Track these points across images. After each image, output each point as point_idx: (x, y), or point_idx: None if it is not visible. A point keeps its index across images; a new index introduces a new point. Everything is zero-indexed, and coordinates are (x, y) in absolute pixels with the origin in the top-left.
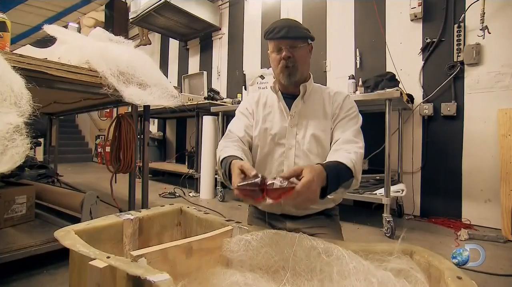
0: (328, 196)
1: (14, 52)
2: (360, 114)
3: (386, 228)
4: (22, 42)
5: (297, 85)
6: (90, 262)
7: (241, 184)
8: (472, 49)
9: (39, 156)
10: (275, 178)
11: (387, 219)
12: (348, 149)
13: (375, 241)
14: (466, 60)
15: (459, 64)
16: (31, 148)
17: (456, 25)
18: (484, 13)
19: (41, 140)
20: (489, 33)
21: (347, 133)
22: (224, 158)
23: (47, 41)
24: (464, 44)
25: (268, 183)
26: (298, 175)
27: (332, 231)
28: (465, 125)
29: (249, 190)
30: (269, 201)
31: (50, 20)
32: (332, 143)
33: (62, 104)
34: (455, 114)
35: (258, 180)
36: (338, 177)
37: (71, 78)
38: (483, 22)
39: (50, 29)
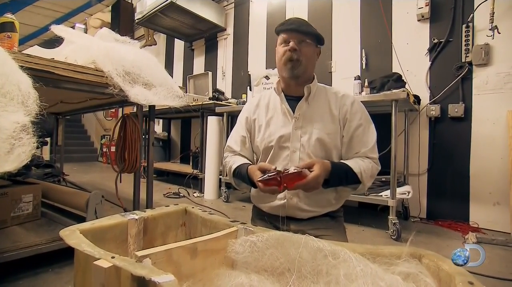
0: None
1: (22, 52)
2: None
3: (392, 230)
4: (30, 43)
5: (299, 84)
6: (95, 262)
7: (262, 177)
8: (480, 50)
9: (46, 155)
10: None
11: (393, 222)
12: (365, 162)
13: (380, 243)
14: (474, 60)
15: (467, 64)
16: (37, 147)
17: (464, 25)
18: (494, 12)
19: (48, 139)
20: (499, 33)
21: (367, 150)
22: (237, 166)
23: (54, 42)
24: (472, 45)
25: (284, 172)
26: (310, 168)
27: (337, 232)
28: (473, 127)
29: (271, 180)
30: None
31: (58, 21)
32: (352, 153)
33: (69, 104)
34: (463, 116)
35: (276, 171)
36: (340, 177)
37: (77, 77)
38: (492, 22)
39: (57, 30)
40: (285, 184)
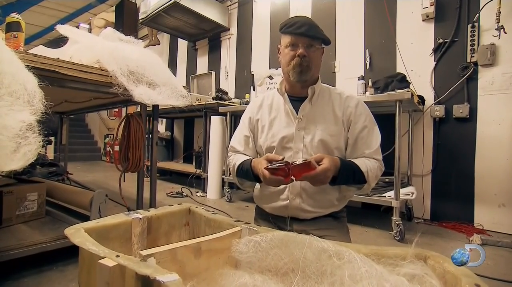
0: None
1: (28, 51)
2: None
3: (395, 231)
4: (35, 43)
5: (304, 86)
6: (100, 261)
7: (270, 166)
8: (486, 50)
9: (50, 154)
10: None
11: (397, 223)
12: (371, 162)
13: (384, 244)
14: (480, 61)
15: (472, 65)
16: (42, 146)
17: (470, 25)
18: (500, 12)
19: (52, 138)
20: (505, 32)
21: (372, 152)
22: (241, 163)
23: (59, 42)
24: (478, 45)
25: (292, 163)
26: (319, 161)
27: (340, 233)
28: (478, 128)
29: (279, 170)
30: (292, 179)
31: (62, 21)
32: (357, 154)
33: (73, 103)
34: (468, 116)
35: (285, 162)
36: (348, 174)
37: (82, 77)
38: (498, 22)
39: (63, 29)
40: (292, 176)
